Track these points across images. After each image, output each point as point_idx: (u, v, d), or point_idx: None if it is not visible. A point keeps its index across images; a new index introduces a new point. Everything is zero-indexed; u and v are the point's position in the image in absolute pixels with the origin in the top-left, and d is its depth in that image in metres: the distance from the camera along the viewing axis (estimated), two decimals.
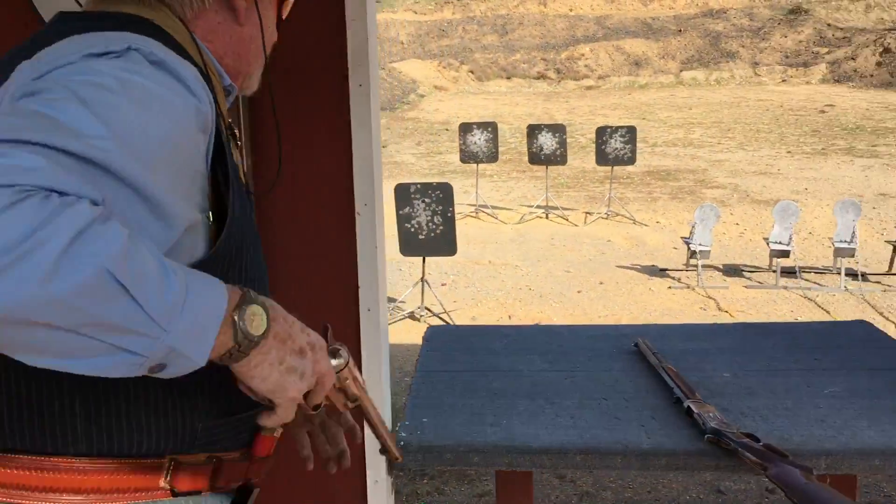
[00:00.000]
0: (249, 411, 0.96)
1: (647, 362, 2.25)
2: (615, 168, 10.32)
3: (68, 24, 0.91)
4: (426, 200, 5.90)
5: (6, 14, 1.71)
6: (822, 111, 20.13)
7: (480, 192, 11.84)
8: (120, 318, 0.70)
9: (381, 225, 2.08)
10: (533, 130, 10.25)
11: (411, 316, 6.41)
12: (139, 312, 0.71)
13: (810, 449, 1.82)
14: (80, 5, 1.01)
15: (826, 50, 27.30)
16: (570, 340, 2.52)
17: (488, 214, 10.41)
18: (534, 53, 29.78)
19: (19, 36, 0.94)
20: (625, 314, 6.68)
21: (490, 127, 10.33)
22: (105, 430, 0.87)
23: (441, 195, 5.88)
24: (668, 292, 7.30)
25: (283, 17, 1.11)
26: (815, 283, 7.44)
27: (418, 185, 5.93)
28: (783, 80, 26.59)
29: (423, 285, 6.31)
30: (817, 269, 7.81)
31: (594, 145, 10.29)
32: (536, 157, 10.25)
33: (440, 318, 6.29)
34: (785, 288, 7.26)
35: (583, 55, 29.52)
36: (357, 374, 1.06)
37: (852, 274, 7.33)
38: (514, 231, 9.73)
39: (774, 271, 7.41)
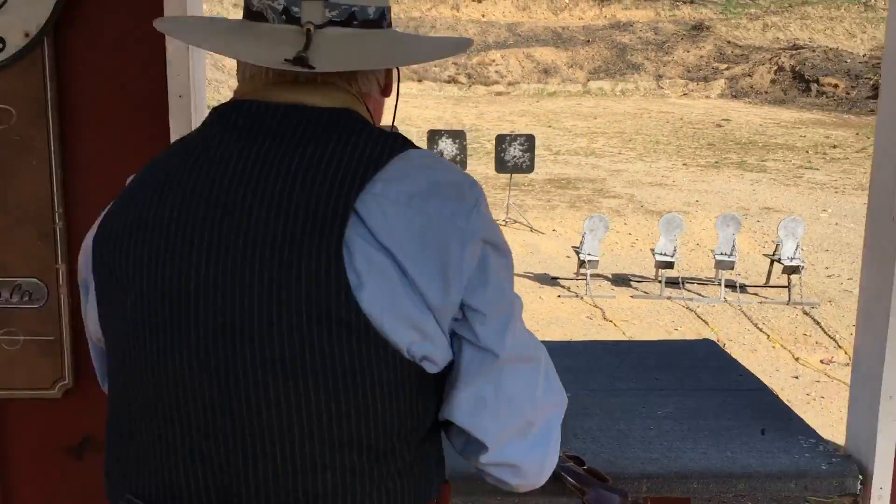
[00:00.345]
0: None
1: None
2: (517, 175, 10.44)
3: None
4: None
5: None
6: (719, 125, 20.90)
7: None
8: None
9: None
10: (433, 136, 10.28)
11: None
12: None
13: (633, 472, 1.85)
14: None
15: (725, 66, 28.37)
16: None
17: None
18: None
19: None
20: None
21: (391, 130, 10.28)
22: None
23: None
24: (557, 301, 7.41)
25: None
26: (697, 293, 7.69)
27: None
28: (685, 94, 27.49)
29: None
30: (700, 280, 8.08)
31: None
32: None
33: None
34: (669, 298, 7.47)
35: (493, 61, 29.82)
36: None
37: (732, 285, 7.61)
38: None
39: (660, 282, 7.63)
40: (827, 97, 24.79)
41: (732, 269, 7.51)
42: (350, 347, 0.88)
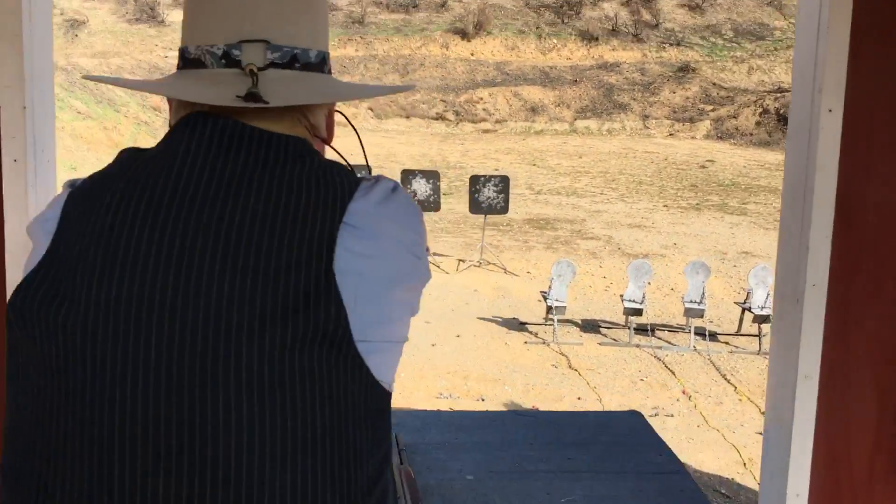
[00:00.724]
0: None
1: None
2: (496, 215, 10.34)
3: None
4: None
5: None
6: (703, 166, 20.91)
7: None
8: None
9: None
10: (407, 176, 10.18)
11: None
12: None
13: None
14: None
15: (711, 107, 28.54)
16: None
17: None
18: (434, 95, 30.03)
19: None
20: (474, 370, 6.57)
21: (363, 171, 10.18)
22: None
23: None
24: (523, 347, 7.25)
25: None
26: (667, 341, 7.54)
27: None
28: (670, 134, 27.60)
29: None
30: (671, 326, 7.93)
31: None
32: None
33: None
34: (637, 346, 7.32)
35: (481, 99, 29.96)
36: None
37: (703, 333, 7.46)
38: None
39: (630, 329, 7.48)
40: None
41: (702, 317, 7.37)
42: (330, 370, 0.86)
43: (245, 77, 0.93)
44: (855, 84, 1.51)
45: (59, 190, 1.02)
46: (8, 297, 1.46)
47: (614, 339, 7.57)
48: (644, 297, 7.40)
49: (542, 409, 5.89)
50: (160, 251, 0.87)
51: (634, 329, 7.49)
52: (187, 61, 0.99)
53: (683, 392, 6.35)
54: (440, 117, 29.26)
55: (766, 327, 7.22)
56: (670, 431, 5.58)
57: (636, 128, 28.28)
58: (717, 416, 5.92)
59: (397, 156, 21.97)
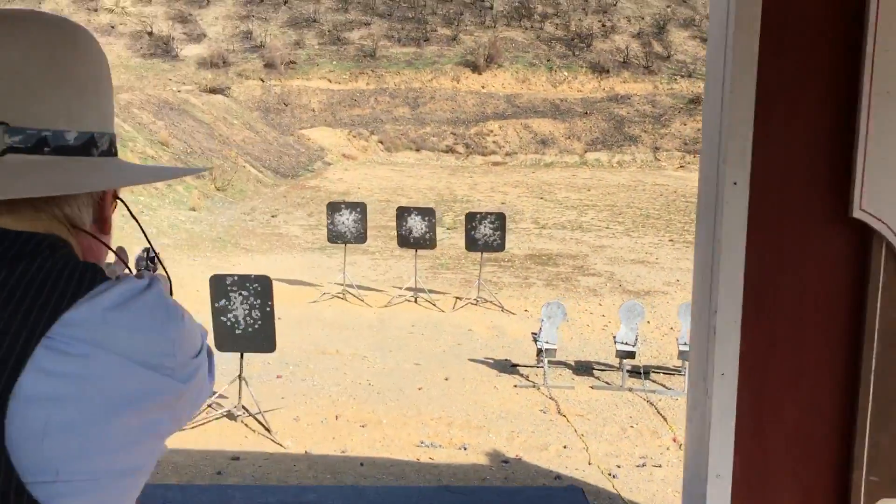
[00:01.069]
0: None
1: None
2: (491, 252, 10.21)
3: None
4: (244, 293, 5.55)
5: None
6: None
7: (357, 271, 11.56)
8: None
9: None
10: (402, 213, 10.07)
11: (229, 414, 5.98)
12: None
13: None
14: None
15: None
16: None
17: (355, 296, 10.09)
18: (444, 127, 30.09)
19: None
20: (459, 416, 6.39)
21: (359, 207, 10.11)
22: None
23: (259, 288, 5.54)
24: (512, 391, 7.06)
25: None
26: (662, 384, 7.33)
27: (235, 277, 5.59)
28: (681, 166, 27.42)
29: (240, 382, 5.90)
30: (667, 369, 7.72)
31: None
32: (405, 240, 10.04)
33: (256, 419, 5.88)
34: (630, 390, 7.11)
35: (492, 131, 29.97)
36: None
37: None
38: (377, 316, 9.42)
39: (625, 371, 7.27)
40: None
41: None
42: None
43: None
44: (763, 153, 1.37)
45: None
46: None
47: (607, 382, 7.37)
48: (637, 340, 7.20)
49: (524, 458, 5.70)
50: None
51: (628, 372, 7.29)
52: None
53: (674, 440, 6.12)
54: (450, 150, 29.28)
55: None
56: (656, 483, 5.37)
57: (647, 160, 28.16)
58: None
59: (405, 189, 21.93)
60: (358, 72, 32.68)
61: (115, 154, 0.98)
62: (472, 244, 9.93)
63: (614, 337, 7.48)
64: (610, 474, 5.45)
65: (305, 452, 5.58)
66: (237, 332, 5.65)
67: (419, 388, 6.99)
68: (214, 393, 6.20)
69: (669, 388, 7.20)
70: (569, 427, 6.33)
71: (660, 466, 5.65)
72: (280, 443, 5.66)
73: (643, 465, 5.66)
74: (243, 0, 35.45)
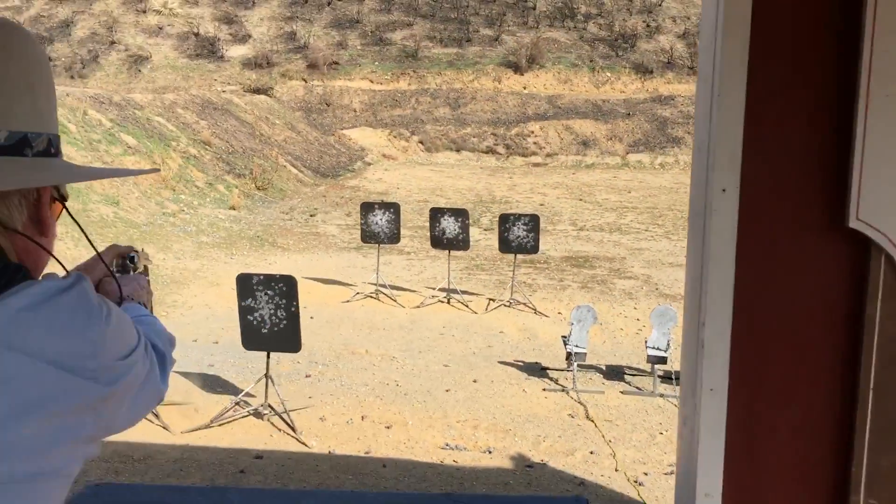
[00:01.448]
0: None
1: None
2: (525, 254, 10.15)
3: None
4: (269, 293, 5.57)
5: None
6: None
7: (391, 271, 11.57)
8: None
9: None
10: (436, 214, 10.04)
11: (255, 413, 6.01)
12: None
13: None
14: None
15: None
16: None
17: (388, 296, 10.09)
18: (484, 128, 30.02)
19: None
20: (485, 419, 6.34)
21: (392, 208, 10.12)
22: None
23: (284, 288, 5.56)
24: (540, 395, 6.99)
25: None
26: None
27: (261, 277, 5.61)
28: None
29: (266, 381, 5.93)
30: None
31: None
32: (438, 242, 10.02)
33: (282, 418, 5.90)
34: (661, 395, 6.99)
35: (532, 132, 29.82)
36: None
37: None
38: (408, 316, 9.41)
39: (658, 377, 7.15)
40: None
41: None
42: None
43: None
44: (754, 160, 1.30)
45: None
46: None
47: (638, 388, 7.25)
48: (669, 345, 7.07)
49: (549, 463, 5.64)
50: None
51: (660, 377, 7.17)
52: None
53: None
54: (490, 151, 29.19)
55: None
56: None
57: (689, 162, 27.69)
58: None
59: (444, 189, 21.91)
60: (400, 72, 32.76)
61: (57, 155, 0.97)
62: (505, 246, 9.87)
63: (646, 341, 7.37)
64: (636, 481, 5.36)
65: (329, 452, 5.58)
66: (263, 331, 5.68)
67: (447, 390, 6.96)
68: (241, 391, 6.24)
69: None
70: (597, 432, 6.24)
71: None
72: (305, 442, 5.67)
73: (671, 472, 5.55)
74: (288, 1, 35.79)
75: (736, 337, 1.33)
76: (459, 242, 9.93)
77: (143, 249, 1.55)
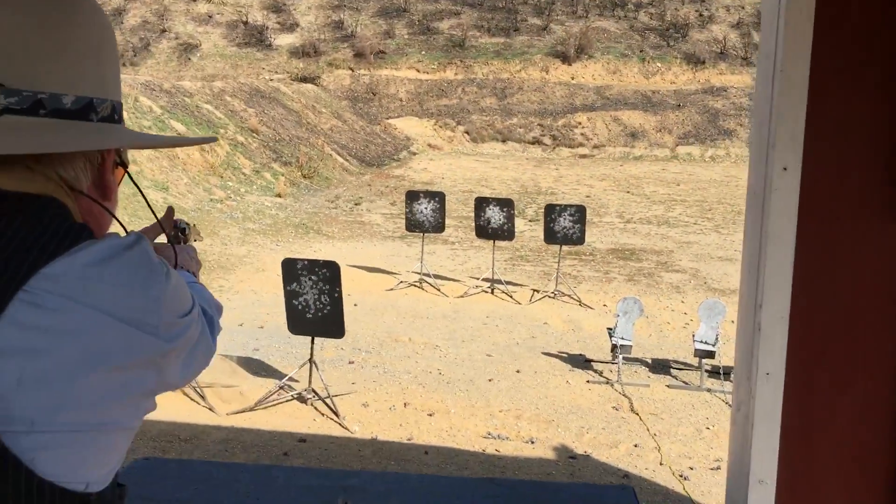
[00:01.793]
0: None
1: None
2: (571, 245, 10.07)
3: None
4: (313, 278, 5.61)
5: None
6: None
7: (435, 260, 11.58)
8: None
9: None
10: (481, 203, 10.01)
11: (299, 397, 6.07)
12: None
13: None
14: None
15: None
16: (266, 491, 2.19)
17: (431, 285, 10.10)
18: (531, 119, 29.84)
19: None
20: (528, 409, 6.31)
21: (437, 197, 10.11)
22: None
23: (328, 274, 5.59)
24: (584, 387, 6.93)
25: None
26: None
27: (305, 262, 5.65)
28: None
29: (310, 366, 5.98)
30: None
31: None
32: (483, 231, 9.99)
33: (325, 403, 5.94)
34: (709, 390, 6.88)
35: (580, 123, 29.56)
36: None
37: None
38: (452, 306, 9.41)
39: (705, 371, 7.04)
40: None
41: None
42: None
43: None
44: (816, 138, 1.26)
45: None
46: None
47: (685, 382, 7.15)
48: (718, 339, 6.95)
49: (593, 455, 5.59)
50: None
51: (707, 372, 7.06)
52: None
53: None
54: (537, 142, 29.03)
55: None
56: None
57: (741, 154, 27.24)
58: None
59: (489, 180, 21.86)
60: (446, 62, 32.72)
61: (120, 122, 0.99)
62: (550, 237, 9.80)
63: (693, 335, 7.26)
64: (681, 476, 5.29)
65: (372, 438, 5.61)
66: (308, 316, 5.72)
67: (489, 380, 6.94)
68: (286, 375, 6.30)
69: None
70: (641, 426, 6.17)
71: None
72: (347, 427, 5.71)
73: (717, 468, 5.47)
74: None
75: (794, 320, 1.29)
76: (504, 232, 9.89)
77: (194, 225, 1.58)
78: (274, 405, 5.97)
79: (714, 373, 7.14)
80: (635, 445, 5.79)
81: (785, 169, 1.26)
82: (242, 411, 5.83)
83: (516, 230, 11.12)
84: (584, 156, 28.10)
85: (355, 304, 8.94)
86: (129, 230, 1.06)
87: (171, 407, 5.69)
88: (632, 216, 16.62)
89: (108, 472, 0.85)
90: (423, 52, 32.87)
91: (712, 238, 14.43)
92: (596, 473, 5.23)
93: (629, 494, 2.27)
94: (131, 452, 4.50)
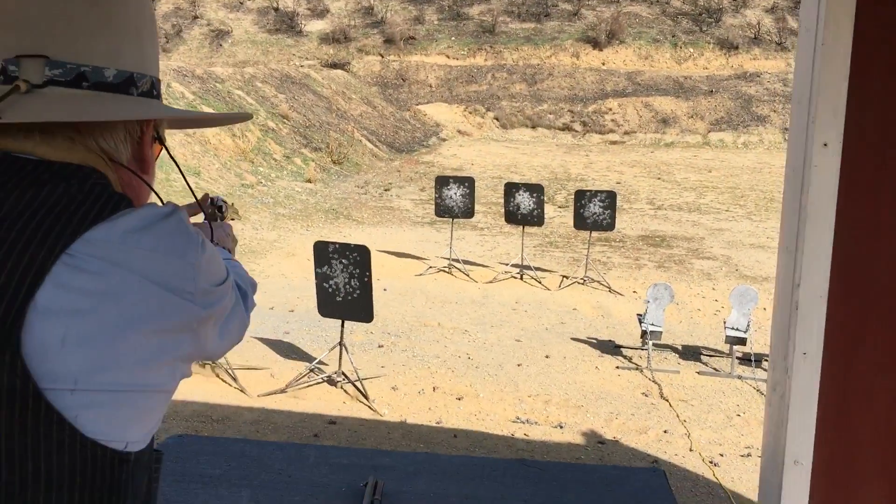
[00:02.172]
0: None
1: None
2: (601, 231, 10.01)
3: None
4: (343, 262, 5.63)
5: None
6: None
7: (464, 246, 11.58)
8: None
9: None
10: (510, 189, 9.98)
11: (329, 380, 6.11)
12: None
13: None
14: None
15: None
16: (298, 468, 2.21)
17: (460, 271, 10.11)
18: (561, 105, 29.65)
19: None
20: (557, 394, 6.30)
21: (467, 182, 10.09)
22: None
23: (358, 258, 5.61)
24: (613, 372, 6.90)
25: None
26: None
27: (336, 245, 5.68)
28: None
29: (340, 349, 6.01)
30: None
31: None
32: (513, 217, 9.97)
33: (355, 386, 5.98)
34: (739, 377, 6.83)
35: (610, 109, 29.32)
36: None
37: None
38: (481, 291, 9.40)
39: (736, 358, 6.99)
40: None
41: None
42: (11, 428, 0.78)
43: (19, 95, 0.88)
44: (858, 113, 1.23)
45: None
46: None
47: (715, 369, 7.10)
48: (749, 326, 6.89)
49: (622, 440, 5.57)
50: None
51: (738, 359, 7.00)
52: None
53: None
54: (567, 128, 28.84)
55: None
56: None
57: (775, 141, 26.88)
58: None
59: (518, 166, 21.77)
60: (476, 48, 32.58)
61: (158, 97, 1.00)
62: (580, 222, 9.74)
63: (724, 322, 7.19)
64: (711, 462, 5.26)
65: (401, 421, 5.64)
66: (338, 299, 5.75)
67: (518, 365, 6.94)
68: (316, 359, 6.35)
69: None
70: (671, 412, 6.14)
71: None
72: (377, 410, 5.74)
73: (748, 455, 5.43)
74: None
75: (832, 299, 1.27)
76: (534, 218, 9.85)
77: (232, 204, 1.59)
78: (304, 387, 6.02)
79: (745, 360, 7.08)
80: (665, 431, 5.77)
81: (825, 145, 1.24)
82: (273, 393, 5.89)
83: (546, 216, 11.08)
84: (614, 142, 27.88)
85: (385, 289, 8.97)
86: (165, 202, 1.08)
87: (204, 388, 5.76)
88: (662, 203, 16.48)
89: (147, 434, 0.88)
90: (453, 38, 32.76)
91: (744, 225, 14.27)
92: (625, 458, 5.22)
93: (660, 477, 2.26)
94: (165, 431, 4.56)
